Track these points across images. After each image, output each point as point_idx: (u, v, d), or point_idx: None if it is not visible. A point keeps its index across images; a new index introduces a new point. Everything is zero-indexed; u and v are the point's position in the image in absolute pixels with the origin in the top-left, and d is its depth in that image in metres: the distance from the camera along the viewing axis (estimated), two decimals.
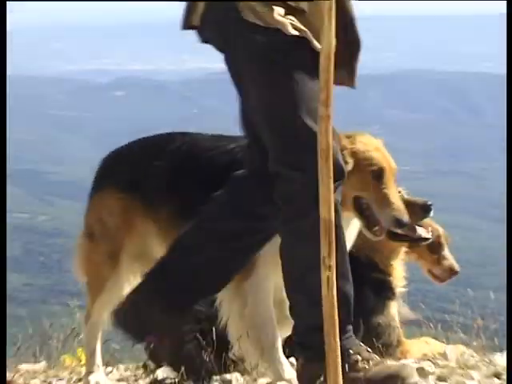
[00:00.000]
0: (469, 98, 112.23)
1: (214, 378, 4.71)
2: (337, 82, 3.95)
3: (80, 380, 4.92)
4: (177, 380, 4.67)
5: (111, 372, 5.14)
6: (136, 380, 4.94)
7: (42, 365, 5.33)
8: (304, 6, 3.96)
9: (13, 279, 35.48)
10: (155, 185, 4.51)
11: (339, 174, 3.97)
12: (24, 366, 5.25)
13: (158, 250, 4.56)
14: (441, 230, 5.24)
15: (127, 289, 4.61)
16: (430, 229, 5.07)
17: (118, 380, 4.94)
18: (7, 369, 5.19)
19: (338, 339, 3.86)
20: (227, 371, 4.78)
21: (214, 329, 4.84)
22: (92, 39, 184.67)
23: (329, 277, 3.83)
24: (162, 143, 4.61)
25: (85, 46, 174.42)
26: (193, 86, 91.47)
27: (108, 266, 4.58)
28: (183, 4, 4.21)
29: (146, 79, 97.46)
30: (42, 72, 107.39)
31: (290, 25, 3.96)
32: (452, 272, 5.31)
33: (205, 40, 4.23)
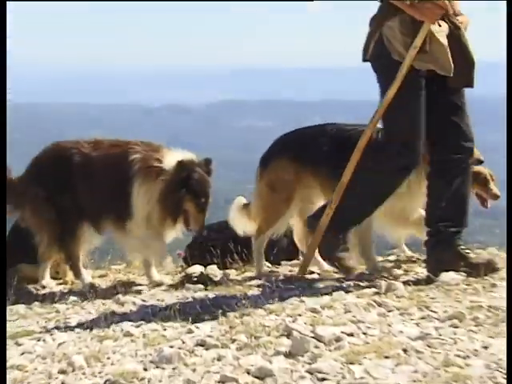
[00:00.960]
0: None
1: (219, 271, 4.66)
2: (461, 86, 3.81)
3: (143, 275, 4.74)
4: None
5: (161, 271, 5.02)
6: (175, 273, 4.86)
7: (123, 266, 5.25)
8: (427, 47, 3.71)
9: None
10: (317, 155, 4.24)
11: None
12: (113, 266, 5.20)
13: (317, 196, 4.33)
14: (487, 172, 4.65)
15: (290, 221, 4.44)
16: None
17: (165, 274, 4.85)
18: (104, 268, 5.17)
19: (319, 240, 3.97)
20: (227, 268, 4.78)
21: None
22: (148, 81, 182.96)
23: (329, 212, 3.92)
24: (319, 129, 4.34)
25: (150, 85, 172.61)
26: (208, 108, 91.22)
27: (283, 206, 4.34)
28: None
29: (179, 104, 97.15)
30: (124, 101, 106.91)
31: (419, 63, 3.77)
32: (496, 196, 4.66)
33: (374, 70, 3.92)
